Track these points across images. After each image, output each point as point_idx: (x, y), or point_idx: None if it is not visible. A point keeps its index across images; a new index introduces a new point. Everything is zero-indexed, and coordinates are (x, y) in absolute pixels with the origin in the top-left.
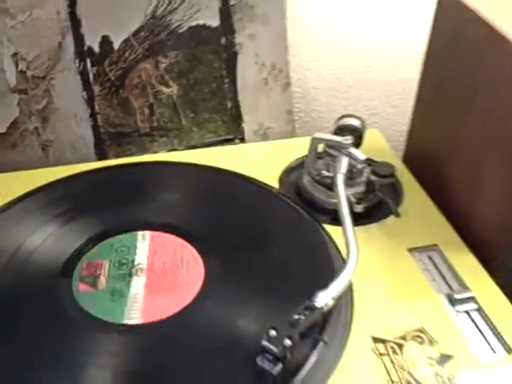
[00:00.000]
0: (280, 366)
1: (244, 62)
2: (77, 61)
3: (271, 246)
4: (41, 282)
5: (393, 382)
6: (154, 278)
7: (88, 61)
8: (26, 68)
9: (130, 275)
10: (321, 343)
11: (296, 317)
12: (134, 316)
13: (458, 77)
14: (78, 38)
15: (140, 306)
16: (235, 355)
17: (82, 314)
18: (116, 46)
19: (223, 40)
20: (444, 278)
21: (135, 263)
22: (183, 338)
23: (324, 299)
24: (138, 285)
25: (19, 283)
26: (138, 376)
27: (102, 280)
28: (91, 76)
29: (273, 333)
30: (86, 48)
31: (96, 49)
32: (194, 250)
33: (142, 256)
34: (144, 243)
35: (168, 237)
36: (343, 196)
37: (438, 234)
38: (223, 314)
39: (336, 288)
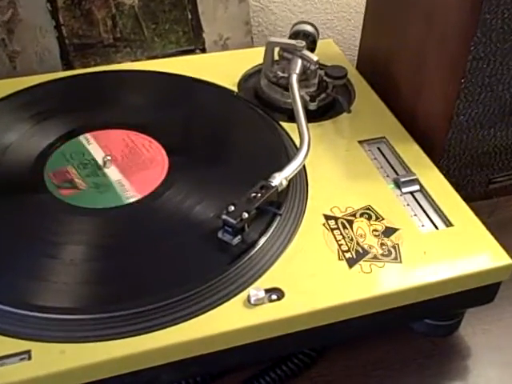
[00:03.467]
0: (238, 237)
1: None
2: None
3: (231, 141)
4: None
5: (343, 251)
6: (122, 163)
7: None
8: None
9: (100, 169)
10: (277, 216)
11: (253, 194)
12: (132, 194)
13: None
14: None
15: (129, 185)
16: (198, 233)
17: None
18: None
19: None
20: (391, 165)
21: (97, 159)
22: (151, 219)
23: (278, 179)
24: (113, 173)
25: None
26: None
27: (79, 181)
28: None
29: (231, 208)
30: None
31: None
32: (145, 136)
33: (97, 153)
34: (91, 144)
35: (114, 132)
36: (297, 93)
37: (386, 128)
38: (187, 197)
39: (289, 170)
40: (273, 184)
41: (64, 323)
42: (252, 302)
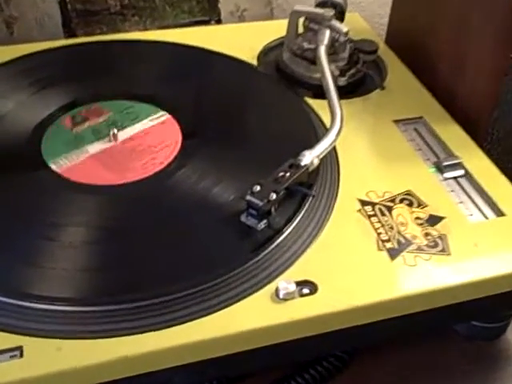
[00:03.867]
0: (264, 222)
1: None
2: None
3: (251, 118)
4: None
5: (383, 241)
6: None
7: None
8: None
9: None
10: (308, 199)
11: (281, 174)
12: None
13: None
14: None
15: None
16: (218, 216)
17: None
18: None
19: None
20: (431, 148)
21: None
22: (162, 199)
23: (309, 158)
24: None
25: None
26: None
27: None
28: None
29: (257, 188)
30: None
31: None
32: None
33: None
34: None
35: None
36: (326, 65)
37: (424, 107)
38: (203, 177)
39: (321, 148)
40: (303, 163)
41: (62, 316)
42: (281, 296)
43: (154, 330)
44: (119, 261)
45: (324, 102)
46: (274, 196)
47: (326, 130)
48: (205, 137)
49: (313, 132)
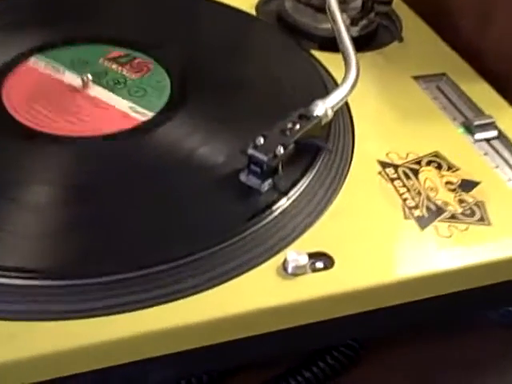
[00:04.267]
0: (269, 182)
1: None
2: None
3: (250, 70)
4: None
5: (410, 208)
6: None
7: None
8: None
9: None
10: (322, 154)
11: (289, 125)
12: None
13: None
14: None
15: None
16: (211, 175)
17: None
18: None
19: None
20: (457, 107)
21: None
22: (143, 154)
23: (322, 108)
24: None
25: None
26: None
27: None
28: None
29: (261, 140)
30: None
31: None
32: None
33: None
34: None
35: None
36: (336, 9)
37: (446, 63)
38: (194, 131)
39: (336, 97)
40: (315, 113)
41: (16, 292)
42: (290, 270)
43: (131, 311)
44: (92, 227)
45: (332, 56)
46: (281, 150)
47: (336, 84)
48: (197, 88)
49: (321, 85)
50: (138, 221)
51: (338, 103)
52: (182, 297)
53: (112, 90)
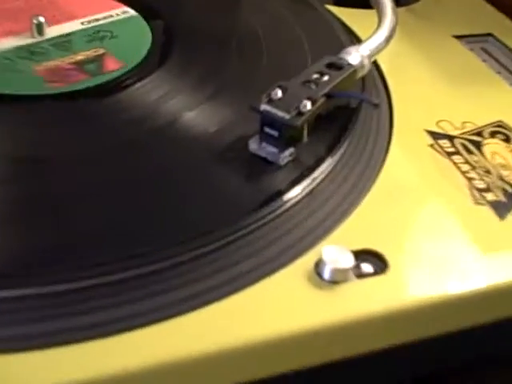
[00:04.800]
0: (290, 151)
1: None
2: None
3: (254, 25)
4: None
5: (479, 190)
6: None
7: None
8: None
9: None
10: (357, 115)
11: (314, 76)
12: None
13: None
14: None
15: None
16: (210, 145)
17: None
18: None
19: None
20: (510, 71)
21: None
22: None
23: (357, 57)
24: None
25: None
26: None
27: None
28: None
29: (278, 93)
30: None
31: None
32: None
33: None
34: None
35: None
36: None
37: (490, 23)
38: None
39: (372, 43)
40: (349, 62)
41: None
42: (327, 275)
43: (95, 339)
44: (52, 217)
45: (350, 11)
46: (308, 105)
47: (358, 41)
48: (184, 38)
49: (346, 37)
50: (118, 212)
51: (375, 51)
52: (179, 313)
53: None
